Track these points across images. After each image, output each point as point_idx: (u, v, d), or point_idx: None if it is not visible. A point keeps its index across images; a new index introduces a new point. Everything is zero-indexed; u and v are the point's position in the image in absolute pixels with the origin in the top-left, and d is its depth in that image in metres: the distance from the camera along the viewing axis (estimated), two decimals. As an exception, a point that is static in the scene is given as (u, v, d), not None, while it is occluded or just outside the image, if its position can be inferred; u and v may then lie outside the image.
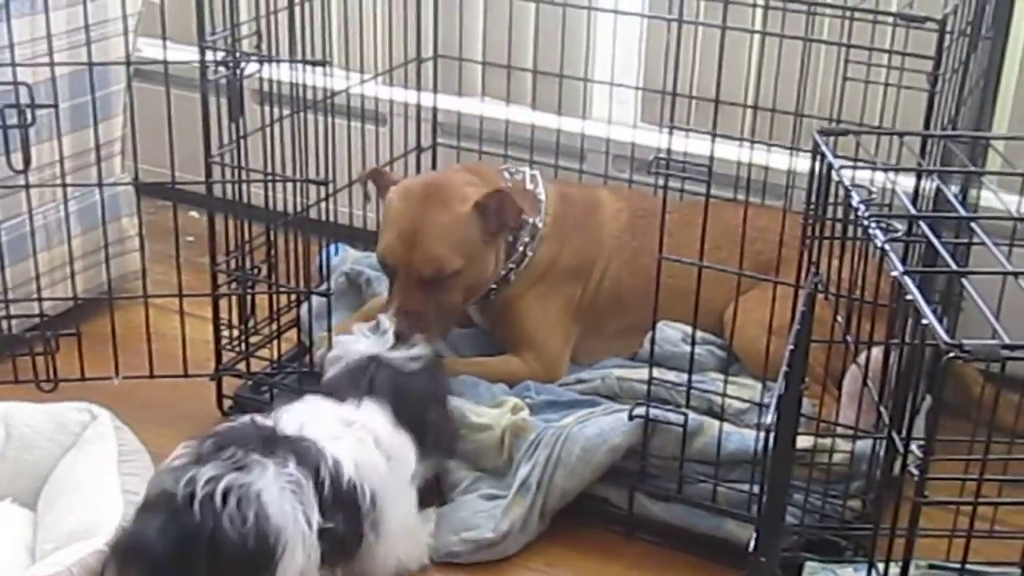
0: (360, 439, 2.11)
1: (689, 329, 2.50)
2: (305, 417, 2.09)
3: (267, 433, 2.01)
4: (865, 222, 1.57)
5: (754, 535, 1.84)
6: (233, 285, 2.73)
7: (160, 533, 1.84)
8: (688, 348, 2.46)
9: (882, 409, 1.72)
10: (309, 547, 1.91)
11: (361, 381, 2.25)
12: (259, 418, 2.08)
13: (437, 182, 2.70)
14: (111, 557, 1.92)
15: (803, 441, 2.23)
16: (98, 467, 2.24)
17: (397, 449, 2.18)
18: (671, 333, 2.66)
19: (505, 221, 2.63)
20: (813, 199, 1.85)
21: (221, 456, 1.91)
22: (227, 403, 2.78)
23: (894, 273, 1.42)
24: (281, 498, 1.89)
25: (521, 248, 2.72)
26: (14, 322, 2.70)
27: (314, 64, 2.58)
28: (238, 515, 1.83)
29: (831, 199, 1.84)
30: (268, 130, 2.64)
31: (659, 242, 2.30)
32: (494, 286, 2.73)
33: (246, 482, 1.86)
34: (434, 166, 3.29)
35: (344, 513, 2.00)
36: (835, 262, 1.92)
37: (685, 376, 2.42)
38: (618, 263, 2.79)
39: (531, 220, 2.70)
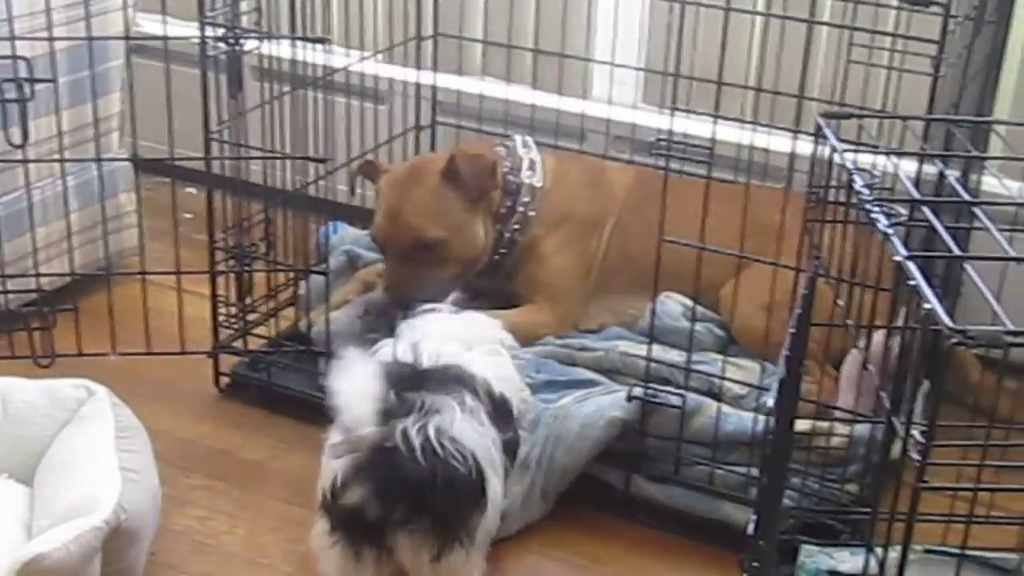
0: (490, 351, 2.19)
1: (690, 303, 2.50)
2: (436, 345, 2.11)
3: (427, 373, 2.04)
4: (868, 206, 1.56)
5: (753, 518, 1.85)
6: (231, 262, 2.72)
7: (399, 481, 1.89)
8: (688, 324, 2.45)
9: (882, 394, 1.71)
10: (500, 463, 2.05)
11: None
12: (401, 356, 2.07)
13: (419, 163, 2.80)
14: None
15: (801, 424, 2.23)
16: (95, 443, 2.23)
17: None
18: (672, 307, 2.67)
19: (479, 183, 2.67)
20: (815, 182, 1.85)
21: (408, 406, 1.93)
22: (224, 380, 2.78)
23: (897, 257, 1.42)
24: (473, 429, 1.98)
25: (521, 209, 2.75)
26: (11, 297, 2.69)
27: (314, 41, 2.57)
28: (454, 453, 1.91)
29: (833, 182, 1.83)
30: (267, 107, 2.64)
31: (660, 224, 2.29)
32: (503, 250, 2.76)
33: (444, 424, 1.92)
34: (433, 145, 3.28)
35: (505, 421, 2.09)
36: (836, 245, 1.92)
37: (685, 355, 2.42)
38: (627, 218, 2.82)
39: (528, 180, 2.75)
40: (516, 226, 2.76)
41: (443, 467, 1.89)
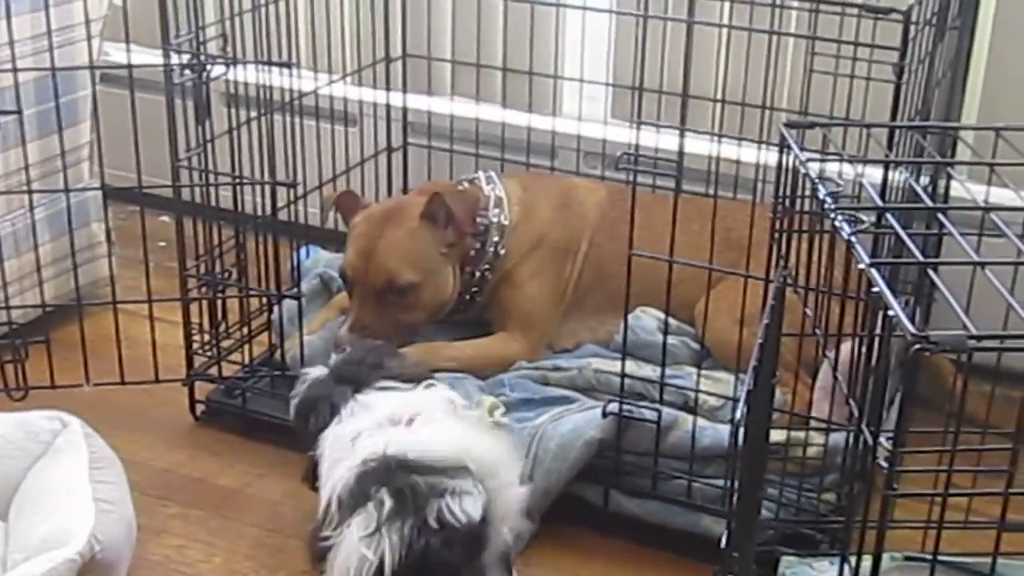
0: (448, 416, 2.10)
1: (664, 316, 2.50)
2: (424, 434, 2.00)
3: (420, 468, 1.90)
4: (832, 215, 1.56)
5: (726, 530, 1.84)
6: (203, 289, 2.72)
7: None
8: (662, 338, 2.45)
9: (851, 402, 1.71)
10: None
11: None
12: (395, 455, 1.92)
13: (396, 205, 2.79)
14: None
15: (776, 435, 2.23)
16: (69, 475, 2.22)
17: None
18: (647, 321, 2.67)
19: (458, 227, 2.66)
20: (781, 192, 1.85)
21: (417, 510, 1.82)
22: (199, 408, 2.76)
23: (861, 265, 1.42)
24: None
25: (491, 249, 2.74)
26: (-18, 331, 2.67)
27: (280, 66, 2.57)
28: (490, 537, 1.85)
29: (800, 192, 1.84)
30: (235, 132, 2.63)
31: (630, 239, 2.29)
32: (475, 288, 2.75)
33: (467, 507, 1.84)
34: (405, 166, 3.28)
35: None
36: (804, 255, 1.92)
37: (659, 370, 2.41)
38: (602, 238, 2.82)
39: (495, 219, 2.74)
40: (486, 266, 2.76)
41: (484, 542, 1.84)
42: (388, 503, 1.82)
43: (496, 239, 2.75)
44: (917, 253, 1.49)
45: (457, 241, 2.69)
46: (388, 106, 3.23)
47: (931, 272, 1.55)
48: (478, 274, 2.76)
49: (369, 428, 2.01)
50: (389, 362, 2.22)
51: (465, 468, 1.90)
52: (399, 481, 1.84)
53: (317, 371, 2.25)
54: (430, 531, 1.80)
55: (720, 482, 2.35)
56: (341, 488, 1.91)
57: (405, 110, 3.24)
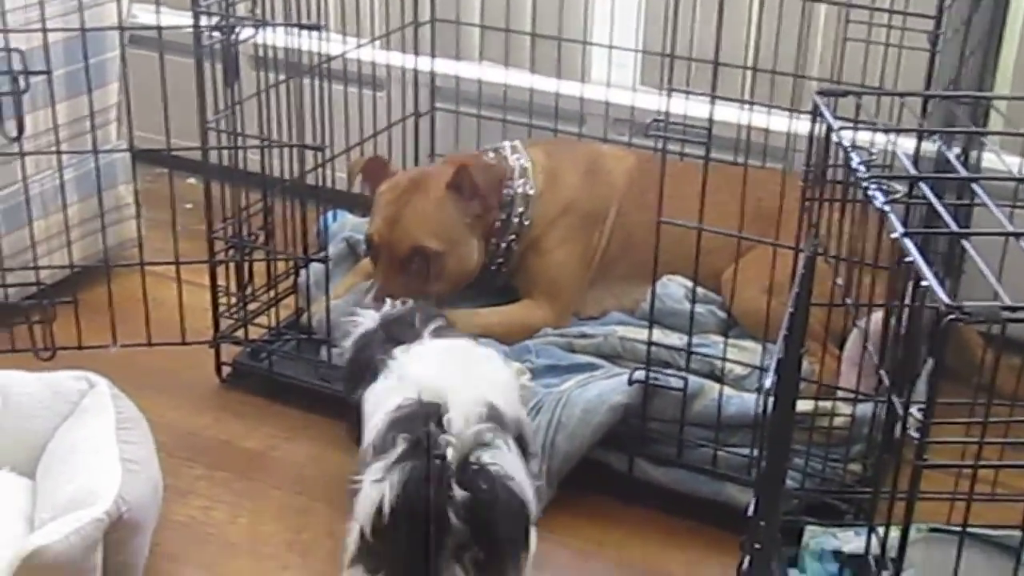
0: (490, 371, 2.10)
1: (692, 284, 2.49)
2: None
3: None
4: (865, 184, 1.55)
5: (753, 499, 1.84)
6: (230, 252, 2.72)
7: (455, 508, 1.79)
8: (690, 306, 2.44)
9: (882, 372, 1.70)
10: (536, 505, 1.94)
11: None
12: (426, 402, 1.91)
13: (422, 174, 2.77)
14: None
15: (803, 404, 2.22)
16: (96, 435, 2.23)
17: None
18: (674, 289, 2.66)
19: (485, 199, 2.65)
20: (812, 161, 1.83)
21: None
22: (226, 370, 2.77)
23: (894, 235, 1.40)
24: (521, 466, 1.91)
25: (516, 220, 2.74)
26: (11, 291, 2.68)
27: (309, 28, 2.55)
28: (508, 486, 1.83)
29: (831, 161, 1.82)
30: (264, 95, 2.62)
31: (659, 205, 2.28)
32: (500, 259, 2.75)
33: (497, 456, 1.84)
34: (432, 131, 3.27)
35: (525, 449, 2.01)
36: (835, 223, 1.90)
37: (686, 338, 2.41)
38: (630, 207, 2.81)
39: (520, 190, 2.73)
40: (512, 237, 2.75)
41: (503, 494, 1.81)
42: (401, 448, 1.83)
43: (521, 210, 2.74)
44: (951, 223, 1.47)
45: (483, 213, 2.68)
46: (416, 71, 3.22)
47: (964, 242, 1.53)
48: (503, 245, 2.75)
49: (407, 380, 2.01)
50: (431, 320, 2.21)
51: (494, 420, 1.90)
52: (419, 428, 1.84)
53: (368, 322, 2.26)
54: (435, 475, 1.78)
55: (745, 451, 2.34)
56: (375, 435, 1.93)
57: (433, 75, 3.23)
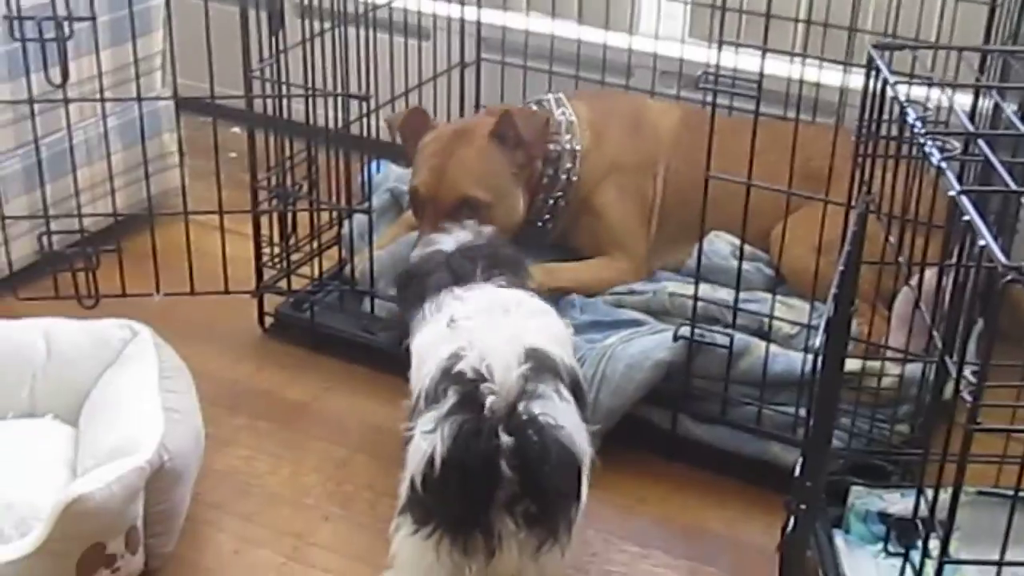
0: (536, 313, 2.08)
1: (739, 242, 2.46)
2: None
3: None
4: (921, 140, 1.51)
5: (800, 459, 1.82)
6: (274, 202, 2.71)
7: (508, 458, 1.77)
8: (737, 263, 2.41)
9: (935, 333, 1.67)
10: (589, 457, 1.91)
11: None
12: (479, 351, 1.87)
13: (465, 125, 2.72)
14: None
15: (851, 364, 2.19)
16: (139, 384, 2.23)
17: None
18: (720, 246, 2.63)
19: (528, 149, 2.61)
20: (866, 116, 1.80)
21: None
22: (268, 320, 2.77)
23: (951, 192, 1.37)
24: (574, 417, 1.88)
25: (564, 176, 2.70)
26: (55, 238, 2.68)
27: (355, -24, 2.53)
28: (559, 437, 1.81)
29: (885, 116, 1.78)
30: (309, 44, 2.60)
31: (707, 161, 2.25)
32: (547, 216, 2.72)
33: (548, 408, 1.82)
34: (477, 82, 3.24)
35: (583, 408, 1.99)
36: (888, 181, 1.87)
37: (734, 294, 2.38)
38: (678, 162, 2.77)
39: (567, 146, 2.70)
40: (559, 193, 2.72)
41: (554, 445, 1.79)
42: (452, 400, 1.82)
43: (568, 166, 2.70)
44: (1009, 180, 1.44)
45: (527, 163, 2.64)
46: (462, 20, 3.18)
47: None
48: (550, 201, 2.72)
49: (457, 328, 1.99)
50: (493, 268, 2.18)
51: (546, 370, 1.88)
52: (468, 381, 1.82)
53: (444, 245, 2.24)
54: (487, 429, 1.77)
55: (791, 410, 2.32)
56: (429, 382, 1.91)
57: (479, 25, 3.19)
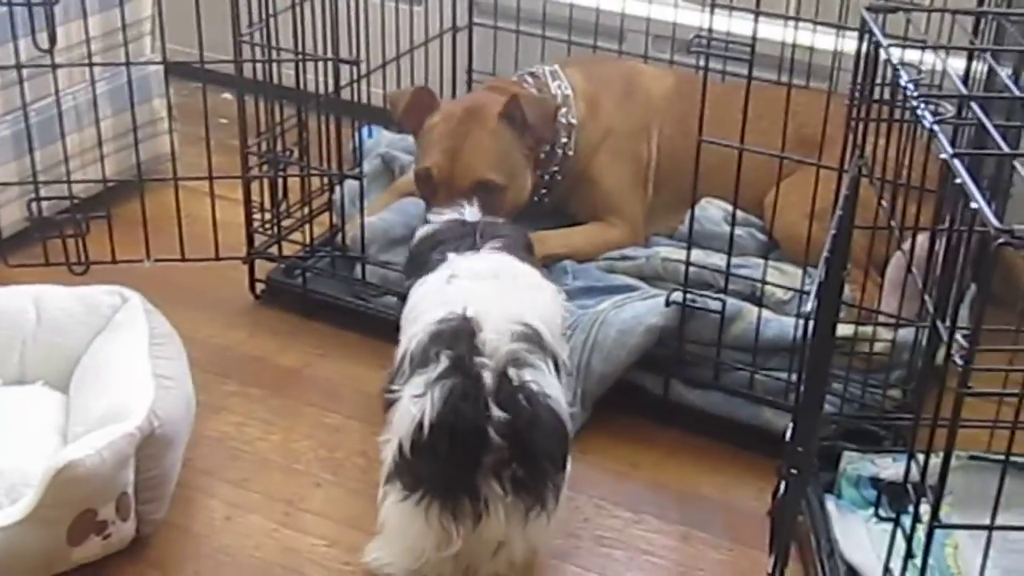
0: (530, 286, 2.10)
1: (731, 208, 2.46)
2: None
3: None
4: (914, 103, 1.50)
5: (792, 424, 1.81)
6: (265, 168, 2.69)
7: (496, 424, 1.79)
8: (729, 228, 2.41)
9: (926, 297, 1.66)
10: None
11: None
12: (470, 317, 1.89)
13: (474, 103, 2.67)
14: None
15: (843, 329, 2.19)
16: (129, 350, 2.23)
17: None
18: (713, 212, 2.63)
19: (535, 134, 2.59)
20: (859, 79, 1.78)
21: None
22: (259, 287, 2.76)
23: (943, 155, 1.36)
24: (559, 386, 1.91)
25: (560, 151, 2.70)
26: (44, 204, 2.66)
27: (345, -61, 2.51)
28: (547, 405, 1.84)
29: (878, 79, 1.77)
30: (298, 8, 2.58)
31: (699, 124, 2.23)
32: (544, 190, 2.73)
33: (536, 375, 1.84)
34: (470, 46, 3.22)
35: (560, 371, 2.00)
36: (881, 144, 1.86)
37: (726, 260, 2.37)
38: (672, 127, 2.77)
39: (564, 120, 2.70)
40: (555, 168, 2.71)
41: (543, 412, 1.81)
42: (443, 364, 1.82)
43: (564, 140, 2.70)
44: (1003, 144, 1.43)
45: (535, 146, 2.63)
46: (454, -16, 3.16)
47: (1017, 165, 1.49)
48: (546, 176, 2.71)
49: (450, 293, 2.00)
50: (491, 237, 2.19)
51: (532, 341, 1.88)
52: (463, 346, 1.83)
53: (455, 215, 2.26)
54: (477, 394, 1.78)
55: (783, 375, 2.32)
56: (415, 344, 1.91)
57: (471, -11, 3.18)
